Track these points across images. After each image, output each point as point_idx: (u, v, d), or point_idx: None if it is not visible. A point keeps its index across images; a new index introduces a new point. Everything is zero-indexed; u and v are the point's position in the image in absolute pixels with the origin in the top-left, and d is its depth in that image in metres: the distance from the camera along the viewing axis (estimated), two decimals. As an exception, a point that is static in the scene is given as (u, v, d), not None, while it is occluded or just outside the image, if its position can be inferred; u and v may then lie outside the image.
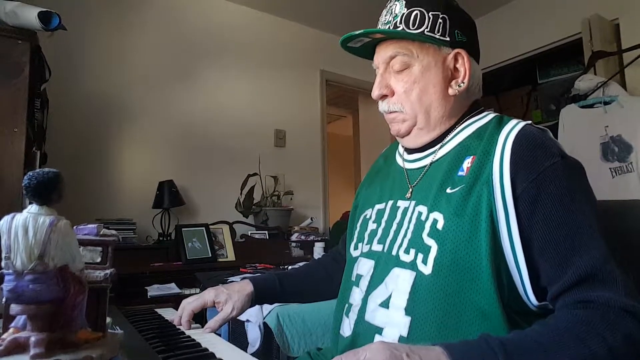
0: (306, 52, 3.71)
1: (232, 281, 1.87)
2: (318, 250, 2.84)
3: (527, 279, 0.65)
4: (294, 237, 3.11)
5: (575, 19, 2.82)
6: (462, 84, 0.78)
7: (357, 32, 0.78)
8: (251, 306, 0.97)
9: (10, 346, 0.47)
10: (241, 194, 3.10)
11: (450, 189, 0.72)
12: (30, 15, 1.58)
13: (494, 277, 0.64)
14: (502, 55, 3.54)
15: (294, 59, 3.64)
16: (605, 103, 2.39)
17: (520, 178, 0.66)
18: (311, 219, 3.41)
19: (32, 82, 1.63)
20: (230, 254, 2.79)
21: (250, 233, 3.08)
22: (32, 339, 0.47)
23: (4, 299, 0.47)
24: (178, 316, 0.93)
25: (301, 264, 2.31)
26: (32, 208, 0.48)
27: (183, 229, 2.66)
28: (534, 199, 0.65)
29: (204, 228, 2.75)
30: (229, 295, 0.94)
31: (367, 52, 0.86)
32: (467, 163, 0.73)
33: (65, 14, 1.66)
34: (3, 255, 0.46)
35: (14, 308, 0.47)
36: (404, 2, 0.78)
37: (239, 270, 2.26)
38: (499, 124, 0.75)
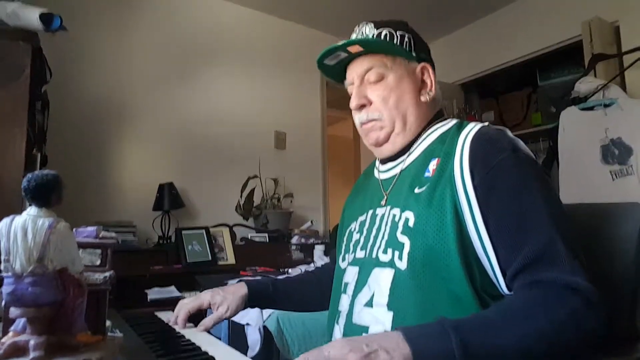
0: (307, 54, 3.70)
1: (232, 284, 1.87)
2: (318, 253, 2.84)
3: (496, 265, 0.70)
4: (294, 240, 3.10)
5: (575, 21, 2.82)
6: (430, 93, 0.88)
7: (341, 43, 0.85)
8: (244, 308, 1.02)
9: (10, 350, 0.47)
10: (241, 196, 3.09)
11: (418, 188, 0.79)
12: (31, 17, 1.58)
13: (463, 265, 0.69)
14: (502, 57, 3.54)
15: (294, 60, 3.64)
16: (606, 105, 2.39)
17: (477, 171, 0.73)
18: (311, 221, 3.41)
19: (32, 84, 1.63)
20: (230, 257, 2.78)
21: (251, 236, 3.07)
22: (32, 342, 0.47)
23: (3, 302, 0.47)
24: (175, 316, 0.97)
25: (301, 266, 2.31)
26: (32, 210, 0.48)
27: (183, 232, 2.66)
28: (488, 190, 0.71)
29: (204, 231, 2.75)
30: (224, 297, 0.99)
31: (337, 73, 0.94)
32: (432, 165, 0.80)
33: (66, 16, 1.66)
34: (2, 257, 0.46)
35: (14, 311, 0.47)
36: (373, 25, 0.88)
37: (239, 273, 2.27)
38: (459, 128, 0.83)
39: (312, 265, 2.42)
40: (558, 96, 3.27)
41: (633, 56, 2.50)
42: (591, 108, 2.45)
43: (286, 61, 3.59)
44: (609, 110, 2.37)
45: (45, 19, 1.59)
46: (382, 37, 0.86)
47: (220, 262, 2.71)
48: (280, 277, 1.95)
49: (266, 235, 3.07)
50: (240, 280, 1.09)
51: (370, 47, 0.86)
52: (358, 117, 0.90)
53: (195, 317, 0.99)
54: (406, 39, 0.87)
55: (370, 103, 0.87)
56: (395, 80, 0.86)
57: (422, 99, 0.87)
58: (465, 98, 3.96)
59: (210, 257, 2.66)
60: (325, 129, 3.85)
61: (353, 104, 0.89)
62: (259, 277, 2.05)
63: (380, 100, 0.86)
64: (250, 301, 1.02)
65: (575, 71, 3.35)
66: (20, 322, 0.50)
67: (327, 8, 3.48)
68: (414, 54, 0.87)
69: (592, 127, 2.41)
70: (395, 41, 0.86)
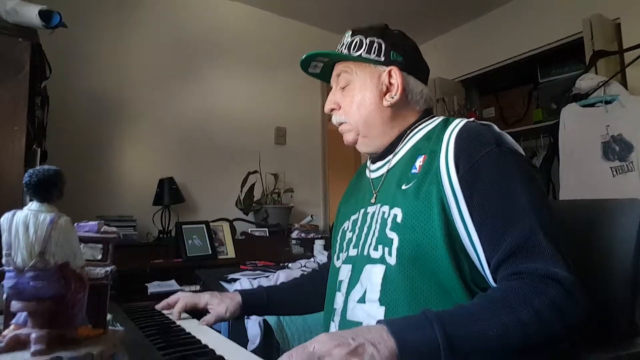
0: (307, 50, 3.68)
1: (232, 278, 1.88)
2: (318, 248, 2.84)
3: (483, 258, 0.71)
4: (294, 235, 3.11)
5: (576, 18, 2.82)
6: (395, 96, 0.88)
7: (305, 56, 0.94)
8: (240, 315, 1.03)
9: (11, 343, 0.48)
10: (241, 191, 3.10)
11: (405, 185, 0.81)
12: (31, 13, 1.57)
13: (451, 258, 0.71)
14: (503, 54, 3.53)
15: (294, 56, 3.60)
16: (607, 102, 2.39)
17: (461, 165, 0.74)
18: (311, 216, 3.41)
19: (32, 80, 1.63)
20: (230, 251, 2.79)
21: (251, 230, 3.08)
22: (33, 335, 0.47)
23: (4, 296, 0.47)
24: (166, 302, 1.00)
25: (301, 261, 2.32)
26: (33, 205, 0.48)
27: (183, 226, 2.66)
28: (472, 183, 0.73)
29: (204, 225, 2.75)
30: (221, 300, 1.01)
31: (327, 77, 1.00)
32: (419, 162, 0.82)
33: (66, 12, 1.66)
34: (4, 252, 0.46)
35: (15, 305, 0.47)
36: (350, 32, 0.93)
37: (239, 267, 2.27)
38: (445, 125, 0.84)
39: (312, 259, 2.42)
40: (559, 93, 3.26)
41: (634, 53, 2.50)
42: (592, 105, 2.45)
43: (286, 57, 3.58)
44: (609, 107, 2.37)
45: (45, 15, 1.59)
46: (353, 44, 0.90)
47: (221, 257, 2.71)
48: (280, 271, 1.96)
49: (266, 229, 3.08)
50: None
51: (332, 57, 0.93)
52: (332, 120, 0.96)
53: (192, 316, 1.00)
54: (375, 45, 0.89)
55: (339, 107, 0.93)
56: (359, 86, 0.90)
57: (385, 103, 0.89)
58: (466, 94, 3.95)
59: (210, 252, 2.67)
60: (326, 124, 3.85)
61: (325, 109, 0.96)
62: (258, 271, 2.05)
63: (346, 105, 0.92)
64: (245, 309, 1.03)
65: (576, 68, 3.34)
66: (22, 316, 0.50)
67: (327, 5, 3.47)
68: (381, 58, 0.89)
69: (593, 123, 2.41)
70: (363, 48, 0.89)
